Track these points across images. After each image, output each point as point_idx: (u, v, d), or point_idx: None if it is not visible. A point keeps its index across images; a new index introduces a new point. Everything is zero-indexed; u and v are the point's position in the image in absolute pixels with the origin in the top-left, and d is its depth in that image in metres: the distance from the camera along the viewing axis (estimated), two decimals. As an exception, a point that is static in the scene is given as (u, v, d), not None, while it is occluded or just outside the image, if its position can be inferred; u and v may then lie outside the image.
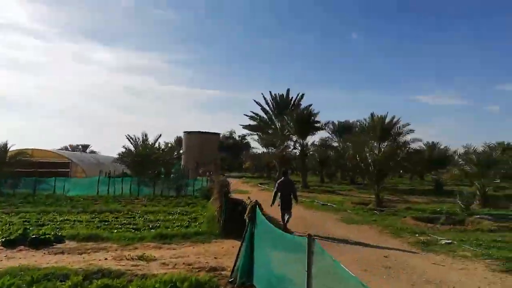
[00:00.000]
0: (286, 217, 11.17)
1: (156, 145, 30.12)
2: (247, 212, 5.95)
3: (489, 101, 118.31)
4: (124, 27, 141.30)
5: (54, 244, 9.10)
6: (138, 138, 27.37)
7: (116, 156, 27.51)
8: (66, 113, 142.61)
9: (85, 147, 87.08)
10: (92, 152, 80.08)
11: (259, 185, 33.16)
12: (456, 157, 23.15)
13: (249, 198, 6.85)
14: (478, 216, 14.37)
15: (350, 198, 21.93)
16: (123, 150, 26.32)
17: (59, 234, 9.87)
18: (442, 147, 35.16)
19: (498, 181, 22.15)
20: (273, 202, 11.22)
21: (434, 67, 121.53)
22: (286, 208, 11.10)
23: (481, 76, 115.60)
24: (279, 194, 11.13)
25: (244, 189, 28.61)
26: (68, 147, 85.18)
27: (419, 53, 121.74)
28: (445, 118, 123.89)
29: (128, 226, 11.49)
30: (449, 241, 9.84)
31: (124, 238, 9.54)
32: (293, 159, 49.11)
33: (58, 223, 11.98)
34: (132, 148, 26.38)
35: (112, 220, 12.58)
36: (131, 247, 8.79)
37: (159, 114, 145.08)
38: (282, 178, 11.71)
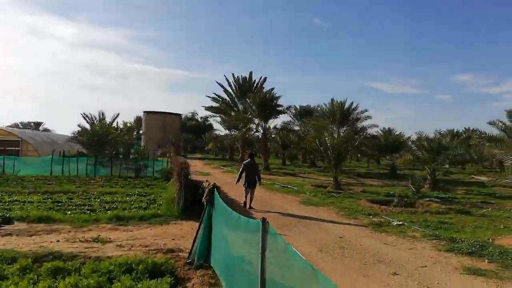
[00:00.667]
0: (249, 195, 12.13)
1: (114, 124, 29.20)
2: (205, 195, 5.90)
3: (441, 91, 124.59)
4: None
5: (1, 225, 8.63)
6: (95, 117, 26.33)
7: (70, 135, 26.35)
8: (20, 90, 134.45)
9: (37, 124, 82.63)
10: (46, 130, 76.32)
11: (221, 167, 33.06)
12: (410, 143, 24.18)
13: (207, 181, 6.79)
14: (428, 199, 15.19)
15: (310, 181, 22.42)
16: (79, 129, 25.19)
17: (8, 215, 9.37)
18: (397, 133, 36.66)
19: (447, 166, 23.44)
20: (238, 180, 12.41)
21: (392, 56, 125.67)
22: (250, 186, 12.05)
23: (436, 66, 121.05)
24: (244, 173, 12.15)
25: (206, 171, 28.46)
26: (19, 124, 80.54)
27: (379, 42, 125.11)
28: (401, 105, 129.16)
29: (83, 207, 11.09)
30: (400, 222, 10.33)
31: (78, 220, 9.21)
32: (255, 141, 49.42)
33: (6, 203, 11.35)
34: (88, 127, 25.34)
35: (65, 201, 12.09)
36: (86, 229, 8.51)
37: (120, 93, 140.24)
38: (249, 159, 12.58)
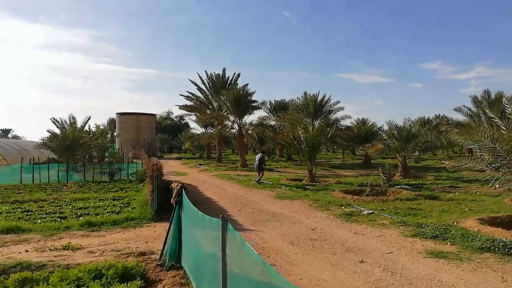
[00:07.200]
0: (260, 175, 18.37)
1: (86, 128, 28.67)
2: (173, 196, 5.93)
3: (412, 79, 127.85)
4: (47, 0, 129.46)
5: (-33, 239, 8.38)
6: (65, 121, 25.75)
7: (40, 141, 25.64)
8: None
9: (5, 131, 79.76)
10: (15, 137, 73.87)
11: (198, 166, 32.93)
12: (381, 132, 24.76)
13: (176, 181, 6.82)
14: (399, 186, 15.65)
15: (286, 175, 22.65)
16: (49, 134, 24.54)
17: (-26, 228, 9.09)
18: (370, 123, 37.43)
19: (417, 153, 24.10)
20: (254, 166, 19.45)
21: (362, 47, 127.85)
22: (259, 170, 18.47)
23: (405, 55, 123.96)
24: (257, 162, 18.62)
25: (183, 171, 28.32)
26: (-14, 132, 77.59)
27: (347, 33, 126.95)
28: (372, 94, 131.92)
29: (53, 215, 10.89)
30: (371, 211, 10.63)
31: (48, 228, 9.05)
32: (233, 138, 49.31)
33: (-27, 216, 11.00)
34: (58, 132, 24.72)
35: (36, 210, 11.83)
36: (56, 237, 8.38)
37: (91, 95, 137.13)
38: (260, 154, 19.33)
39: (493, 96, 24.62)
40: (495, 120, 9.43)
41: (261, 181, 18.20)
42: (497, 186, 12.02)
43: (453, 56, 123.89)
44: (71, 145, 23.46)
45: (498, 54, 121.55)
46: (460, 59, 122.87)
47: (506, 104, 10.05)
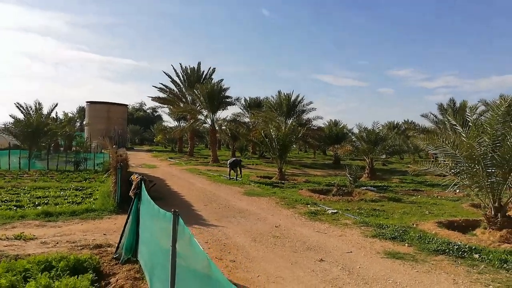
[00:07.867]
0: (236, 172, 18.41)
1: (53, 115, 27.67)
2: (132, 188, 5.76)
3: (384, 84, 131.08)
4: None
5: None
6: (30, 107, 24.68)
7: (1, 126, 24.52)
8: None
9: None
10: (-23, 121, 70.38)
11: (169, 159, 32.46)
12: (351, 134, 25.19)
13: (136, 173, 6.64)
14: (364, 187, 15.96)
15: (256, 172, 22.66)
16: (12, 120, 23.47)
17: None
18: (341, 125, 38.05)
19: (384, 156, 24.66)
20: (227, 164, 19.04)
21: (337, 50, 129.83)
22: (233, 168, 18.40)
23: (377, 61, 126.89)
24: (231, 164, 18.54)
25: (152, 163, 27.81)
26: None
27: (324, 36, 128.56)
28: (346, 97, 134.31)
29: (9, 203, 10.41)
30: (335, 210, 10.77)
31: (1, 217, 8.63)
32: (206, 133, 48.89)
33: None
34: (22, 118, 23.70)
35: (-9, 198, 11.28)
36: (9, 226, 8.01)
37: (62, 82, 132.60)
38: (238, 159, 19.58)
39: (458, 104, 25.51)
40: (457, 127, 9.72)
41: (237, 178, 18.16)
42: (458, 191, 12.41)
43: (425, 64, 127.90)
44: (35, 132, 22.56)
45: (466, 64, 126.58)
46: (431, 67, 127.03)
47: (468, 113, 10.42)
